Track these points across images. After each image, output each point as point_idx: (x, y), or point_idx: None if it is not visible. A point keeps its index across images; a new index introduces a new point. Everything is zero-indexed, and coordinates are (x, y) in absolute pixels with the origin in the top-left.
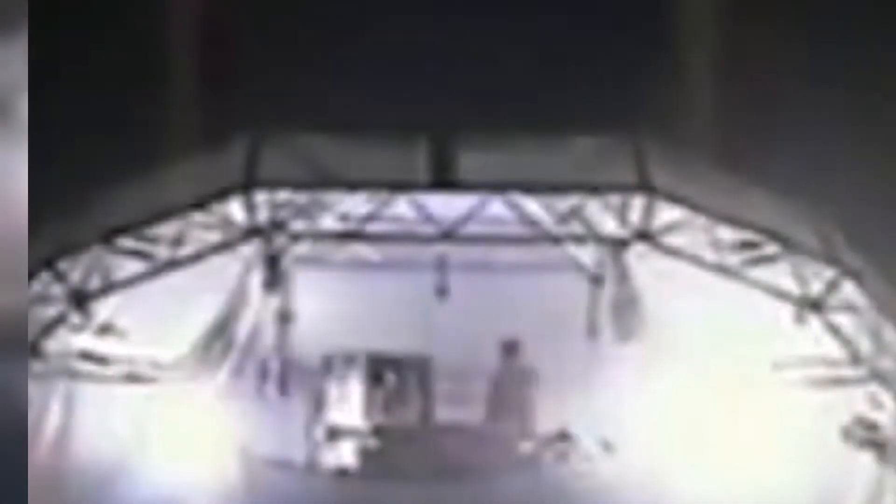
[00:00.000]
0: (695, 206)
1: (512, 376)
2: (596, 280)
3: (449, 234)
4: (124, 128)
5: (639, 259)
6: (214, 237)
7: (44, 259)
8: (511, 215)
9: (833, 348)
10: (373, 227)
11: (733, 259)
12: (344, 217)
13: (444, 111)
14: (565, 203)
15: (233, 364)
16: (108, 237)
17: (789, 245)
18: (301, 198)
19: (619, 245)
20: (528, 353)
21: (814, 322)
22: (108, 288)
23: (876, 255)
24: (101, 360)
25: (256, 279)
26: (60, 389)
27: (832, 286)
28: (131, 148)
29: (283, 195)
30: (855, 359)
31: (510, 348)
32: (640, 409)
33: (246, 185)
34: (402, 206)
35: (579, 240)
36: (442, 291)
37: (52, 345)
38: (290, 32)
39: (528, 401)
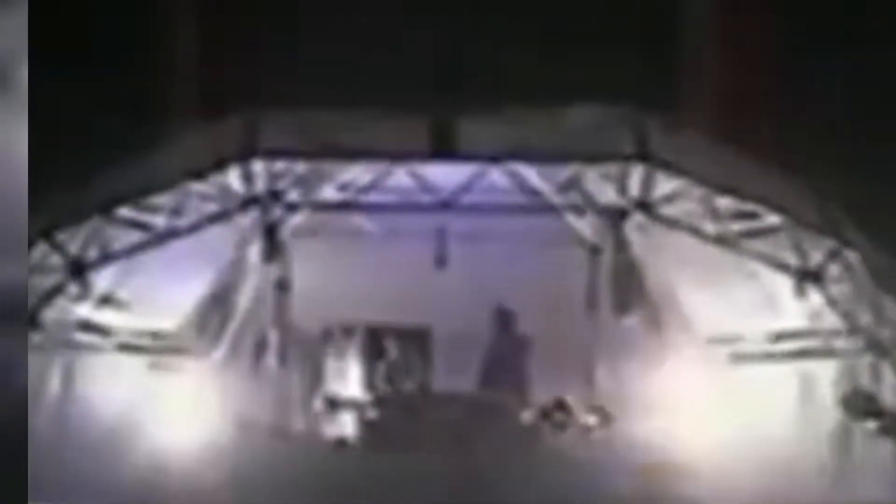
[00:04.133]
0: (694, 177)
1: (508, 346)
2: (595, 250)
3: (448, 204)
4: (125, 98)
5: (638, 229)
6: (213, 207)
7: (42, 229)
8: (510, 185)
9: (832, 319)
10: (372, 198)
11: (733, 230)
12: (343, 187)
13: (444, 81)
14: (564, 173)
15: (231, 335)
16: (106, 207)
17: (789, 216)
18: (299, 168)
19: (618, 215)
20: (524, 323)
21: (813, 293)
22: (107, 258)
23: (876, 227)
24: (100, 330)
25: (255, 250)
26: (59, 360)
27: (831, 257)
28: (131, 118)
29: (281, 165)
30: (854, 329)
31: (504, 318)
32: (638, 379)
33: (244, 156)
34: (401, 177)
35: (578, 210)
36: (441, 261)
37: (51, 315)
38: (290, 2)
39: (524, 370)
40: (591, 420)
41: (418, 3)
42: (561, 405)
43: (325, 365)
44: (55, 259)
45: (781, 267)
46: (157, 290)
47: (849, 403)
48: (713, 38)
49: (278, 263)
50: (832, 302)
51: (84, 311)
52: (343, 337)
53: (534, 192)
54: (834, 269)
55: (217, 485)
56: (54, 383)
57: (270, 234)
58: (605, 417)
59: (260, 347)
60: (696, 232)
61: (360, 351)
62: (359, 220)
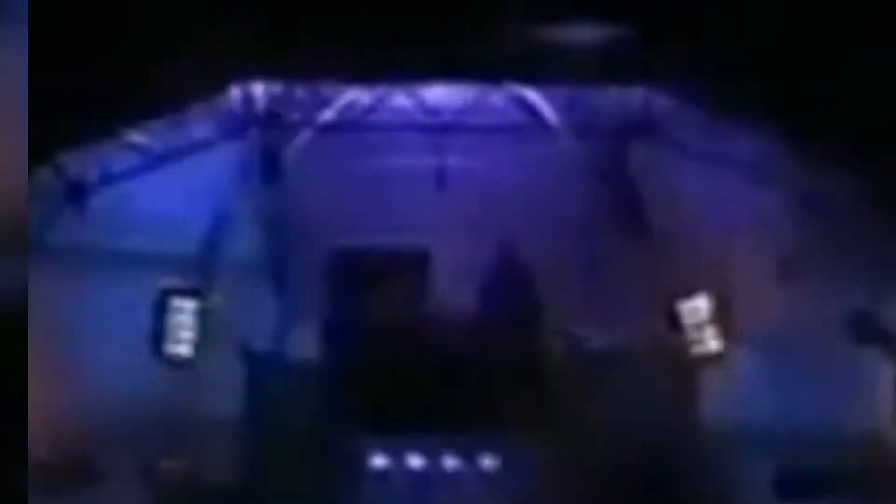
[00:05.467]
0: (695, 97)
1: (510, 271)
2: (596, 172)
3: (449, 126)
4: (126, 20)
5: (638, 151)
6: (214, 130)
7: (43, 153)
8: (512, 107)
9: (833, 239)
10: (373, 119)
11: (731, 150)
12: (344, 109)
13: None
14: (566, 94)
15: (232, 258)
16: (106, 130)
17: (788, 134)
18: (300, 90)
19: (619, 137)
20: (524, 246)
21: (814, 213)
22: (107, 181)
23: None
24: (100, 254)
25: (256, 172)
26: (60, 283)
27: (831, 177)
28: (133, 40)
29: (282, 87)
30: (857, 250)
31: (506, 246)
32: (640, 300)
33: (245, 78)
34: (401, 99)
35: (580, 131)
36: (442, 184)
37: (51, 239)
38: None
39: (526, 294)
40: (595, 342)
41: None
42: (565, 328)
43: (326, 288)
44: (55, 183)
45: (778, 186)
46: (158, 212)
47: (853, 325)
48: None
49: (279, 186)
50: (833, 221)
51: (86, 233)
52: (343, 260)
53: (535, 114)
54: (836, 189)
55: (218, 407)
56: (56, 306)
57: (271, 157)
58: (605, 340)
59: (262, 271)
60: (695, 152)
61: (360, 274)
62: (359, 142)
